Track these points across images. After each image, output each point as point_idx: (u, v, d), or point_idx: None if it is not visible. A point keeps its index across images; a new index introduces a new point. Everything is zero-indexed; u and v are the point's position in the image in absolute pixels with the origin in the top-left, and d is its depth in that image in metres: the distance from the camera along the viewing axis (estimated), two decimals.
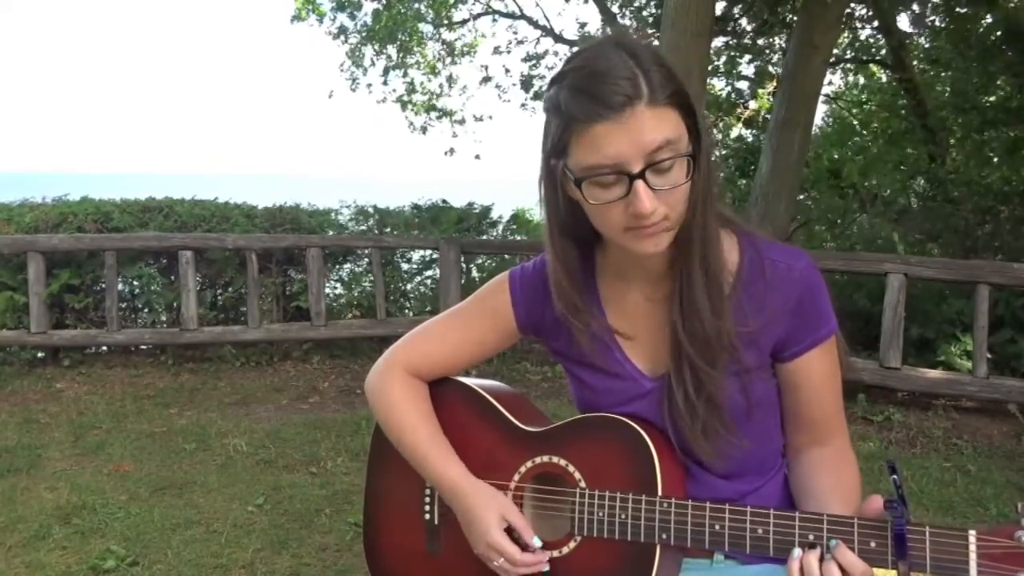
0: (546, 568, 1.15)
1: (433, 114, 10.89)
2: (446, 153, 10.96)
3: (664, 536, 1.07)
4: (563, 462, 1.16)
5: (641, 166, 0.94)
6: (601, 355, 1.17)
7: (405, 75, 10.68)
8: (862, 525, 0.96)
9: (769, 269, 1.08)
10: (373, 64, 10.53)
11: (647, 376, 1.16)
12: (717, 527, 1.04)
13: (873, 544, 0.95)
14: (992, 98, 7.25)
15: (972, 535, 0.89)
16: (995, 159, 7.64)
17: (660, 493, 1.08)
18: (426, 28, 10.52)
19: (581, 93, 0.94)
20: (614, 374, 1.17)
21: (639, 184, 0.94)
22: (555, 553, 1.16)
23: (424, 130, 10.95)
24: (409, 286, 6.56)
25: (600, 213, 1.00)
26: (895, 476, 0.94)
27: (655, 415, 1.14)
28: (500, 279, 1.26)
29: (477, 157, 11.14)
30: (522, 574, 1.15)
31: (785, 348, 1.11)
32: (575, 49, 1.01)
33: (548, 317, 1.20)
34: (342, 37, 10.28)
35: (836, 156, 8.72)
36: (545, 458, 1.18)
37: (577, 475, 1.15)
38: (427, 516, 1.29)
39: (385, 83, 10.66)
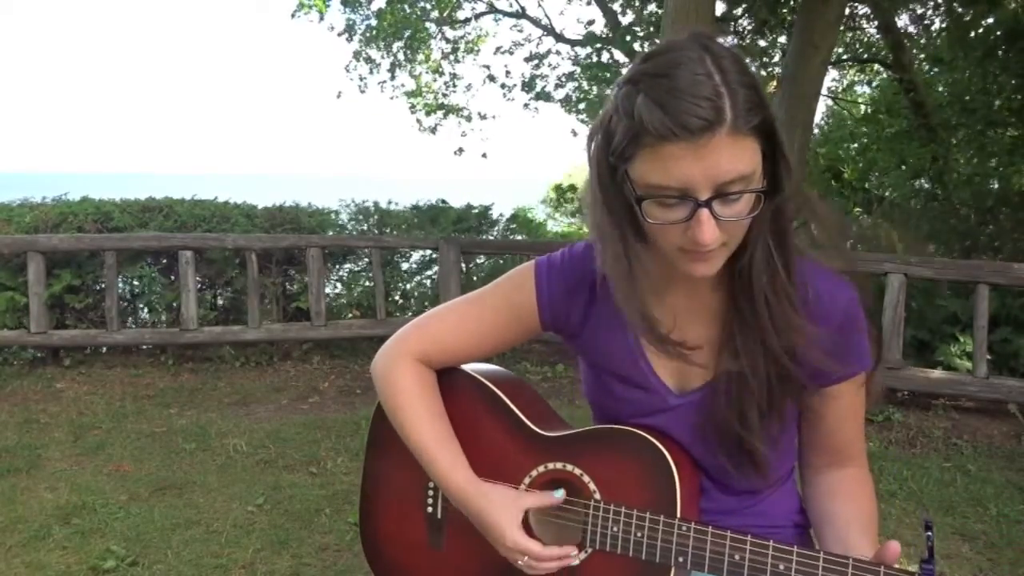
0: (575, 562, 1.11)
1: (440, 112, 10.89)
2: (455, 152, 10.92)
3: (681, 559, 1.05)
4: (577, 471, 1.12)
5: (709, 195, 0.88)
6: (627, 364, 1.12)
7: (412, 73, 10.69)
8: (888, 575, 0.93)
9: (813, 298, 1.03)
10: (379, 63, 10.54)
11: (673, 391, 1.12)
12: (737, 557, 1.01)
13: None
14: (993, 99, 7.24)
15: None
16: (996, 159, 7.63)
17: (679, 515, 1.06)
18: (429, 26, 10.52)
19: (657, 106, 0.85)
20: (638, 385, 1.13)
21: (703, 213, 0.88)
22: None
23: (434, 130, 10.95)
24: (409, 286, 6.56)
25: (656, 230, 0.94)
26: (929, 533, 0.93)
27: (678, 431, 1.11)
28: (524, 269, 1.18)
29: (484, 156, 11.08)
30: (549, 569, 1.11)
31: (814, 377, 1.08)
32: (654, 45, 0.94)
33: (575, 316, 1.15)
34: (347, 35, 10.29)
35: (840, 155, 8.71)
36: (559, 465, 1.14)
37: (592, 486, 1.11)
38: (429, 509, 1.25)
39: (393, 78, 10.67)
